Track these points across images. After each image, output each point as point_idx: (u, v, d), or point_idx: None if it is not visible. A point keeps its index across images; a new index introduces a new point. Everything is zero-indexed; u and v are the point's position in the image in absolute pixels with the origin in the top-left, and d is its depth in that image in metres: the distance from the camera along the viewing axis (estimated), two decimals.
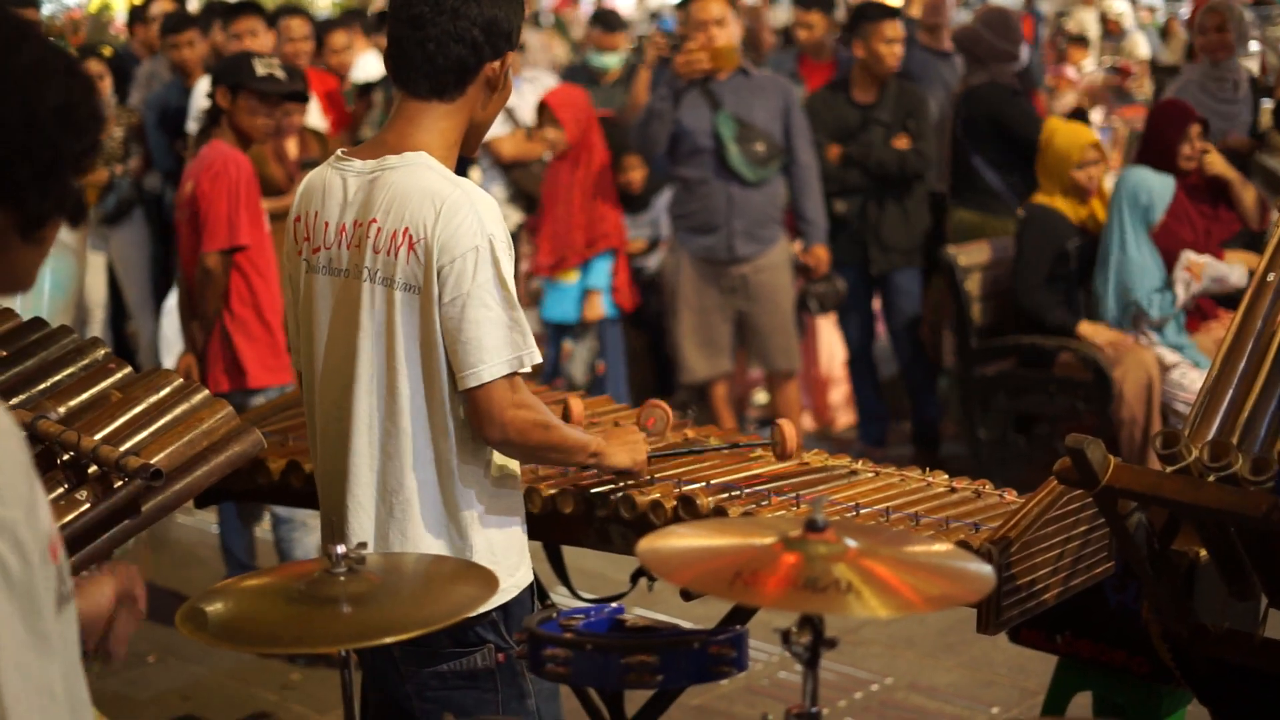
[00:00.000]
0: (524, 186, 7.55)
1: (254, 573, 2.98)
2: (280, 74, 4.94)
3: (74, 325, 3.63)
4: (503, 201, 7.34)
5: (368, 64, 8.78)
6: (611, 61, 8.85)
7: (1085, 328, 5.93)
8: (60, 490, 2.46)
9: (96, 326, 7.32)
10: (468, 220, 2.51)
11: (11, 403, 2.59)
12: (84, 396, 2.63)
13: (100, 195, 7.16)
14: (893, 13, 6.84)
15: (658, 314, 7.14)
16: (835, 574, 1.91)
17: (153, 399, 2.62)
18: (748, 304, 6.44)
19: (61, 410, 2.58)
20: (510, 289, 2.55)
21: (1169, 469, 2.53)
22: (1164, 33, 12.87)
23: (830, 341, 7.41)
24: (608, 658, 2.33)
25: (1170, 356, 5.86)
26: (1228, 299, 5.93)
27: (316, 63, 7.93)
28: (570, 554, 3.60)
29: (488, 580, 2.36)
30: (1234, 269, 5.83)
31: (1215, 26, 6.72)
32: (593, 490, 2.94)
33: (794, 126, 6.34)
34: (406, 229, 2.54)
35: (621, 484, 2.95)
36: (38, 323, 2.83)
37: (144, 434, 2.55)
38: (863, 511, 2.86)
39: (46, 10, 13.73)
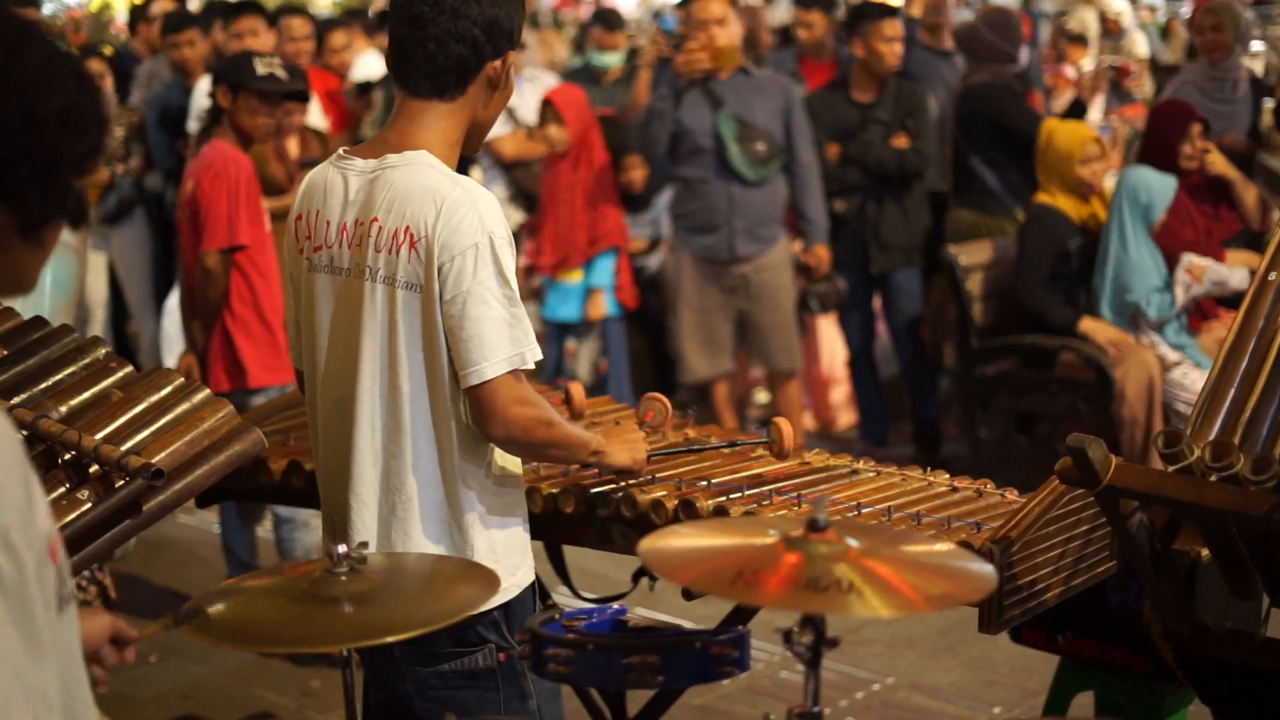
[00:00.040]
0: (525, 186, 7.55)
1: (255, 572, 2.98)
2: (281, 73, 4.94)
3: (75, 325, 3.62)
4: (504, 201, 7.34)
5: (368, 63, 8.78)
6: (612, 60, 8.85)
7: (1087, 324, 5.93)
8: (61, 490, 2.46)
9: (97, 326, 7.32)
10: (468, 218, 2.51)
11: (13, 402, 2.59)
12: (85, 396, 2.63)
13: (101, 195, 7.16)
14: (892, 11, 6.84)
15: (658, 313, 7.14)
16: (837, 574, 1.91)
17: (154, 398, 2.62)
18: (749, 303, 6.43)
19: (63, 409, 2.58)
20: (512, 286, 2.54)
21: (1170, 468, 2.53)
22: (1165, 32, 12.86)
23: (831, 341, 7.41)
24: (609, 658, 2.33)
25: (1172, 356, 5.86)
26: (1229, 299, 5.92)
27: (317, 62, 7.93)
28: (571, 553, 3.60)
29: (489, 580, 2.36)
30: (1235, 272, 5.82)
31: (1212, 26, 6.72)
32: (594, 490, 2.94)
33: (795, 126, 6.34)
34: (407, 227, 2.54)
35: (622, 483, 2.95)
36: (39, 322, 2.83)
37: (145, 433, 2.55)
38: (864, 511, 2.86)
39: (47, 10, 13.73)
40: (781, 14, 11.80)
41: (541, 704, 2.71)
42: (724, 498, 2.91)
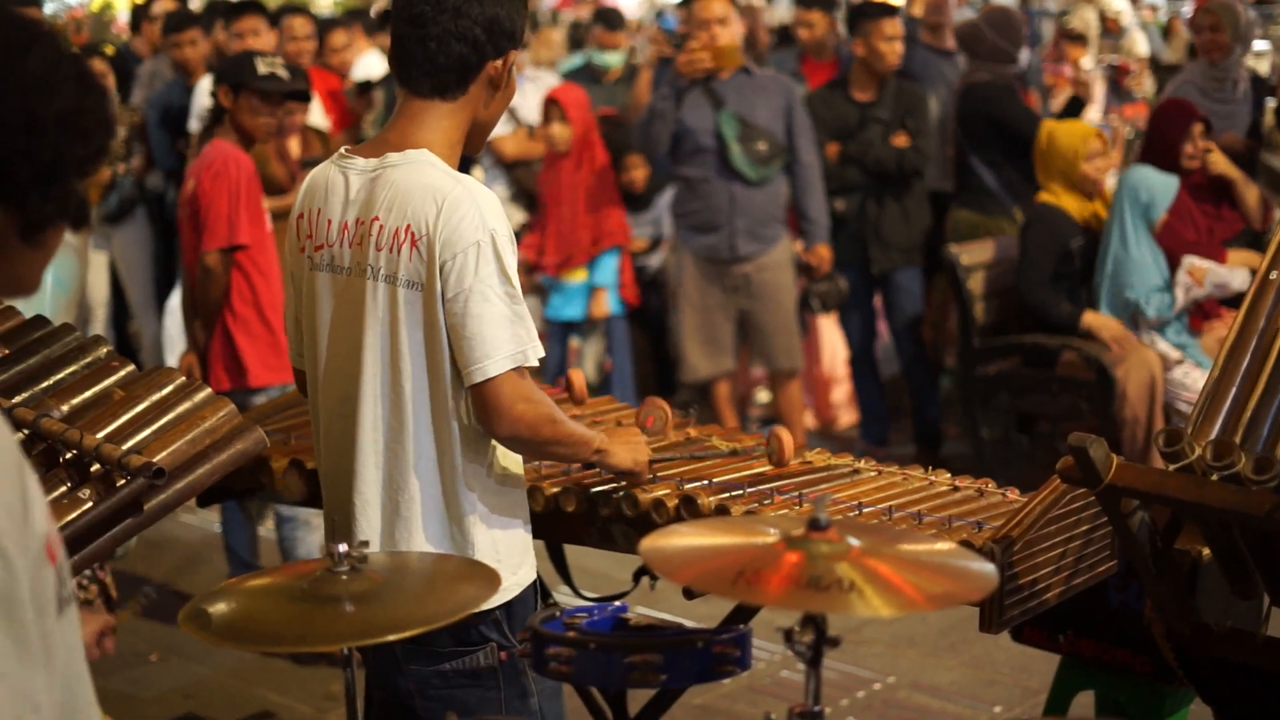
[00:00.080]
0: (526, 185, 7.55)
1: (257, 572, 2.98)
2: (282, 73, 4.94)
3: (76, 324, 3.62)
4: (505, 200, 7.34)
5: (368, 63, 8.78)
6: (613, 60, 8.85)
7: (1090, 317, 5.92)
8: (62, 489, 2.46)
9: (99, 325, 7.32)
10: (469, 215, 2.51)
11: (14, 401, 2.59)
12: (86, 395, 2.63)
13: (103, 194, 7.16)
14: (892, 10, 6.84)
15: (659, 313, 7.14)
16: (838, 573, 1.91)
17: (155, 397, 2.62)
18: (750, 303, 6.43)
19: (64, 408, 2.59)
20: (514, 283, 2.54)
21: (1172, 468, 2.53)
22: (1166, 31, 12.85)
23: (832, 340, 7.41)
24: (611, 657, 2.33)
25: (1173, 355, 5.86)
26: (1230, 298, 5.92)
27: (318, 62, 7.93)
28: (573, 553, 3.60)
29: (490, 579, 2.36)
30: (1235, 273, 5.82)
31: (1210, 26, 6.72)
32: (595, 489, 2.94)
33: (796, 125, 6.34)
34: (408, 226, 2.54)
35: (623, 483, 2.95)
36: (40, 321, 2.83)
37: (146, 432, 2.55)
38: (865, 510, 2.86)
39: (49, 9, 13.73)
40: (781, 14, 11.79)
41: (543, 703, 2.71)
42: (725, 496, 2.91)
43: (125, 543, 2.57)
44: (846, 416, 7.47)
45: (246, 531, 5.34)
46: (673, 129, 6.26)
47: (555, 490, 2.96)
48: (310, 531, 5.04)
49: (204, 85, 6.36)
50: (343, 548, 2.26)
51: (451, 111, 2.64)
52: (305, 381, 2.79)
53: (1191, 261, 5.80)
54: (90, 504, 2.44)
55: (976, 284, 6.35)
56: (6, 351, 2.72)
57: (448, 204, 2.52)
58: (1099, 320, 5.91)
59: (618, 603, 2.61)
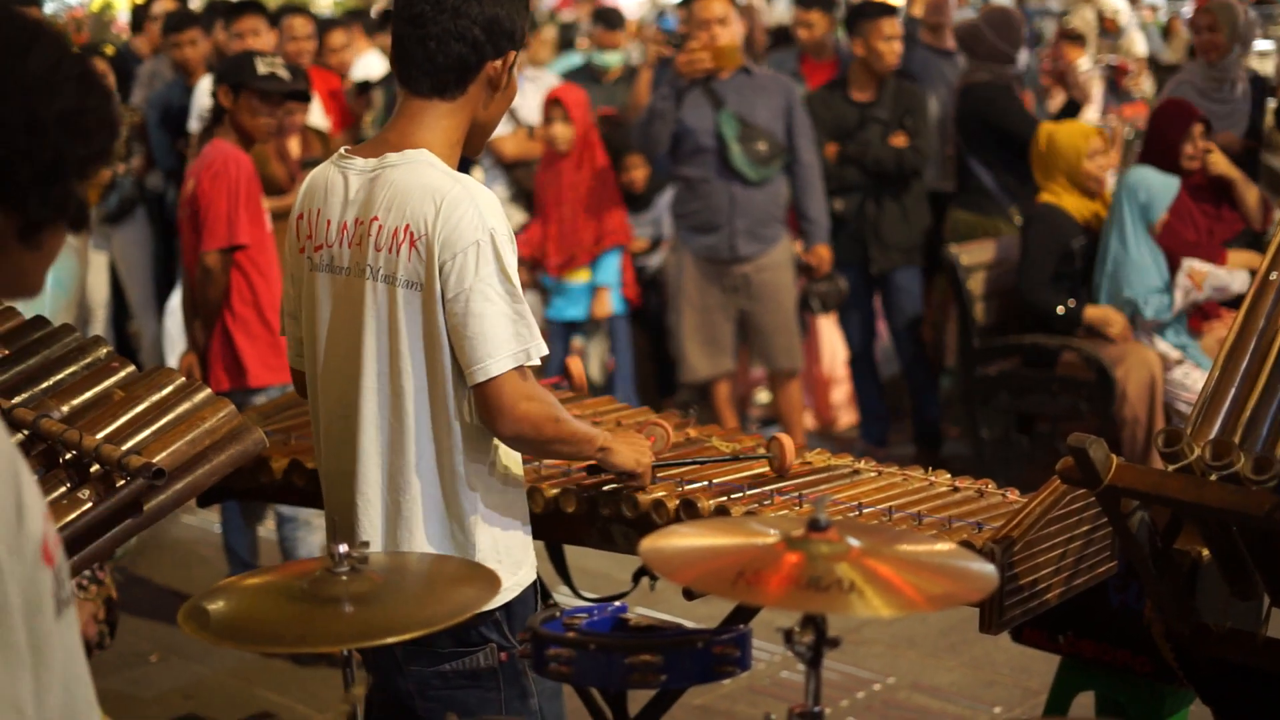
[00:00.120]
0: (526, 186, 7.55)
1: (256, 571, 2.98)
2: (282, 73, 4.94)
3: (76, 324, 3.62)
4: (505, 201, 7.34)
5: (368, 63, 8.77)
6: (612, 60, 8.84)
7: (1093, 311, 5.92)
8: (62, 489, 2.46)
9: (98, 326, 7.32)
10: (468, 215, 2.51)
11: (14, 401, 2.59)
12: (86, 395, 2.64)
13: (103, 194, 7.16)
14: (891, 10, 6.84)
15: (659, 313, 7.14)
16: (838, 573, 1.91)
17: (155, 398, 2.62)
18: (750, 303, 6.43)
19: (64, 409, 2.59)
20: (514, 282, 2.54)
21: (1171, 468, 2.53)
22: (1166, 32, 12.85)
23: (832, 341, 7.41)
24: (611, 657, 2.33)
25: (1173, 355, 5.86)
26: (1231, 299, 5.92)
27: (319, 62, 7.93)
28: (573, 553, 3.60)
29: (490, 580, 2.36)
30: (1235, 276, 5.82)
31: (1208, 26, 6.72)
32: (595, 490, 2.94)
33: (796, 125, 6.34)
34: (407, 225, 2.54)
35: (624, 485, 2.94)
36: (40, 321, 2.83)
37: (146, 433, 2.55)
38: (865, 511, 2.86)
39: (49, 9, 13.73)
40: (781, 14, 11.78)
41: (543, 703, 2.71)
42: (725, 497, 2.91)
43: (125, 543, 2.57)
44: (846, 417, 7.47)
45: (246, 533, 5.34)
46: (673, 129, 6.26)
47: (555, 491, 2.96)
48: (311, 532, 5.04)
49: (204, 85, 6.36)
50: (343, 548, 2.26)
51: (451, 111, 2.64)
52: (303, 382, 2.79)
53: (1191, 265, 5.80)
54: (90, 504, 2.44)
55: (977, 284, 6.35)
56: (6, 352, 2.72)
57: (447, 204, 2.52)
58: (1102, 313, 5.90)
59: (617, 603, 2.61)
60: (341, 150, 2.71)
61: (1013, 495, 3.01)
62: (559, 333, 7.03)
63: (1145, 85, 9.61)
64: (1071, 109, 7.26)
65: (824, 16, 7.78)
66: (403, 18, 2.61)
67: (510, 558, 2.66)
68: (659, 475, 2.98)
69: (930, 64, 7.32)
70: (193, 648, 4.89)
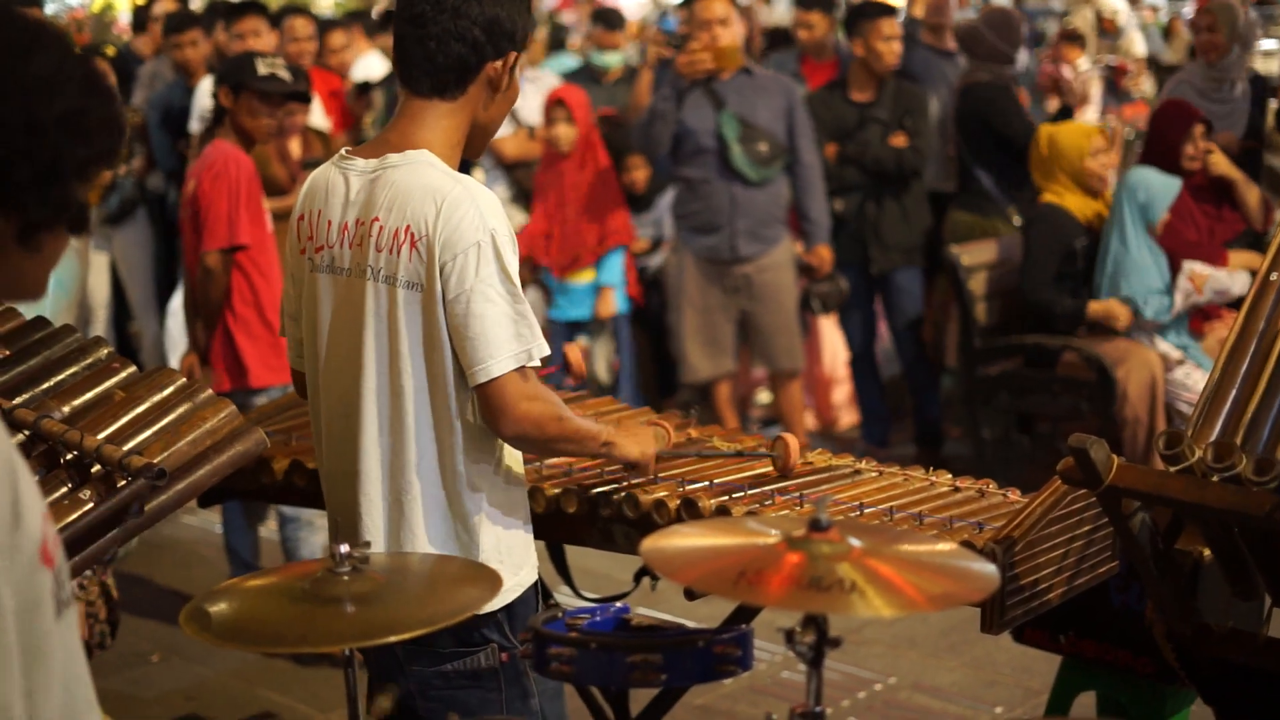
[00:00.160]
0: (526, 186, 7.55)
1: (258, 572, 2.98)
2: (283, 74, 4.94)
3: (77, 325, 3.62)
4: (506, 201, 7.34)
5: (368, 64, 8.77)
6: (612, 60, 8.84)
7: (1096, 305, 5.91)
8: (63, 490, 2.46)
9: (99, 326, 7.32)
10: (469, 215, 2.51)
11: (15, 402, 2.59)
12: (87, 396, 2.63)
13: (103, 195, 7.16)
14: (890, 10, 6.84)
15: (660, 313, 7.14)
16: (839, 573, 1.91)
17: (156, 398, 2.62)
18: (751, 304, 6.43)
19: (65, 409, 2.58)
20: (515, 282, 2.54)
21: (1172, 469, 2.53)
22: (1167, 32, 12.85)
23: (833, 341, 7.41)
24: (612, 657, 2.33)
25: (1174, 355, 5.86)
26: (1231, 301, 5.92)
27: (319, 63, 7.93)
28: (574, 553, 3.60)
29: (491, 580, 2.36)
30: (1236, 279, 5.82)
31: (1207, 26, 6.72)
32: (596, 490, 2.94)
33: (797, 126, 6.34)
34: (408, 226, 2.54)
35: (625, 483, 2.94)
36: (41, 322, 2.83)
37: (147, 433, 2.55)
38: (866, 511, 2.86)
39: (49, 10, 13.73)
40: (781, 15, 11.78)
41: (544, 703, 2.71)
42: (726, 497, 2.91)
43: (126, 544, 2.57)
44: (847, 417, 7.47)
45: (248, 533, 5.33)
46: (673, 130, 6.27)
47: (556, 491, 2.96)
48: (314, 532, 5.04)
49: (205, 86, 6.36)
50: (344, 548, 2.26)
51: (451, 112, 2.64)
52: (303, 383, 2.79)
53: (1192, 268, 5.80)
54: (91, 505, 2.44)
55: (978, 285, 6.35)
56: (7, 353, 2.71)
57: (447, 204, 2.52)
58: (1105, 306, 5.89)
59: (619, 603, 2.61)
60: (342, 151, 2.71)
61: (1014, 495, 3.01)
62: (563, 333, 7.03)
63: (1145, 86, 9.61)
64: (1066, 113, 7.26)
65: (824, 17, 7.78)
66: (404, 18, 2.62)
67: (512, 558, 2.66)
68: (660, 474, 2.98)
69: (931, 64, 7.33)
70: (194, 648, 4.89)
